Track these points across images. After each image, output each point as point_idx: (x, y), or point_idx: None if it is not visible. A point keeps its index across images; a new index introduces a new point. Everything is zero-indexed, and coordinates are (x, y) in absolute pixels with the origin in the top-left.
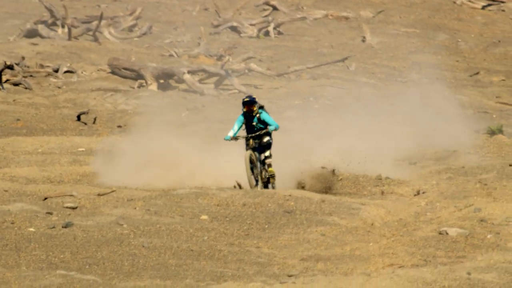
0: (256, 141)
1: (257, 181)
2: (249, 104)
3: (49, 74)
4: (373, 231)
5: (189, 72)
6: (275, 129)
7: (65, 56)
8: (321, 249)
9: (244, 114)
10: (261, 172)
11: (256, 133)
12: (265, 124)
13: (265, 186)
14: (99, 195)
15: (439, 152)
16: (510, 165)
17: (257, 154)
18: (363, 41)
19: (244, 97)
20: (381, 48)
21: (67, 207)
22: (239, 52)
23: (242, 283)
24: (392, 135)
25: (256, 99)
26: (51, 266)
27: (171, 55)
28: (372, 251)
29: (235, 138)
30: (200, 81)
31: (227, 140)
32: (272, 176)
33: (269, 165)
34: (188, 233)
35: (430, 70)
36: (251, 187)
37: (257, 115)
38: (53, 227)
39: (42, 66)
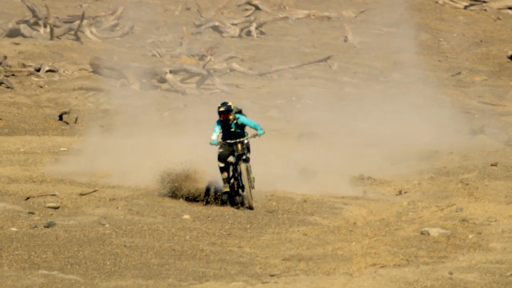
0: (244, 146)
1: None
2: (225, 113)
3: (31, 74)
4: (355, 231)
5: (171, 71)
6: (263, 133)
7: (47, 56)
8: (303, 248)
9: (221, 122)
10: (248, 179)
11: (241, 138)
12: (243, 127)
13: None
14: (81, 194)
15: (421, 152)
16: (491, 165)
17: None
18: (345, 41)
19: (219, 105)
20: (363, 47)
21: (49, 207)
22: (221, 52)
23: (224, 282)
24: (374, 135)
25: (232, 106)
26: (33, 266)
27: (153, 55)
28: (355, 251)
29: (223, 143)
30: (182, 80)
31: (213, 144)
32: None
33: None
34: (170, 233)
35: (412, 70)
36: (235, 202)
37: (235, 121)
38: (35, 227)
39: (24, 65)
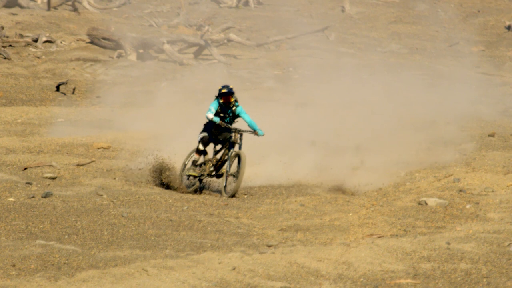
0: (241, 137)
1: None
2: (227, 95)
3: (28, 44)
4: (352, 201)
5: (168, 42)
6: (263, 135)
7: (44, 26)
8: (300, 219)
9: (220, 105)
10: (223, 167)
11: (243, 131)
12: (235, 118)
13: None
14: (78, 165)
15: (418, 122)
16: (489, 136)
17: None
18: (343, 11)
19: (220, 88)
20: (361, 18)
21: (46, 177)
22: (219, 22)
23: (221, 253)
24: (371, 105)
25: (233, 89)
26: (31, 236)
27: (150, 25)
28: (352, 221)
29: (223, 125)
30: (180, 51)
31: (216, 121)
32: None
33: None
34: (168, 203)
35: (410, 40)
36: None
37: (233, 107)
38: (33, 197)
39: (21, 36)
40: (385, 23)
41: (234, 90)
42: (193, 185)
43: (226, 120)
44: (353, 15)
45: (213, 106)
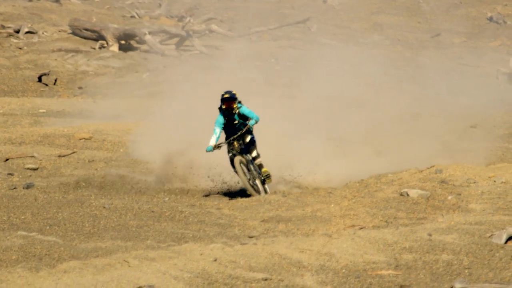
0: (240, 142)
1: (254, 187)
2: (229, 100)
3: (10, 35)
4: (334, 193)
5: (150, 33)
6: (256, 122)
7: (26, 17)
8: (282, 210)
9: (223, 112)
10: (258, 174)
11: (237, 133)
12: (246, 118)
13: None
14: (60, 156)
15: (402, 114)
16: (471, 127)
17: (247, 157)
18: (324, 2)
19: (222, 93)
20: (343, 9)
21: (28, 168)
22: (200, 13)
23: (203, 244)
24: (355, 96)
25: (236, 95)
26: (13, 227)
27: (132, 16)
28: (333, 212)
29: (217, 146)
30: (161, 42)
31: (209, 151)
32: (268, 176)
33: (261, 166)
34: (150, 194)
35: (392, 31)
36: (253, 195)
37: (237, 110)
38: (14, 188)
39: (3, 26)
40: (367, 14)
41: (237, 95)
42: (258, 188)
43: (238, 125)
44: (335, 6)
45: (217, 126)
